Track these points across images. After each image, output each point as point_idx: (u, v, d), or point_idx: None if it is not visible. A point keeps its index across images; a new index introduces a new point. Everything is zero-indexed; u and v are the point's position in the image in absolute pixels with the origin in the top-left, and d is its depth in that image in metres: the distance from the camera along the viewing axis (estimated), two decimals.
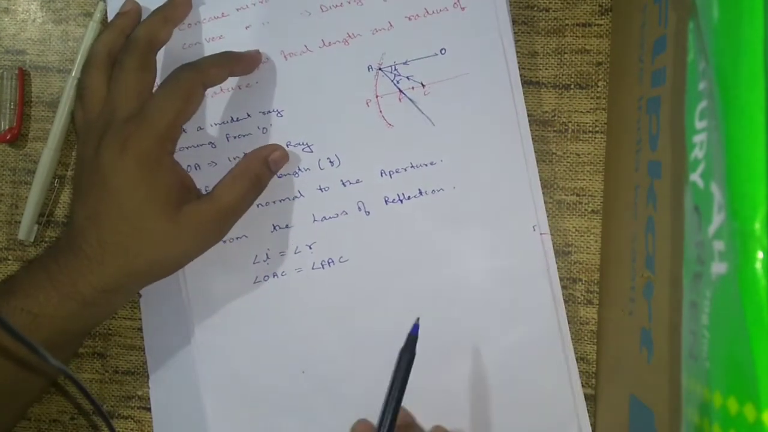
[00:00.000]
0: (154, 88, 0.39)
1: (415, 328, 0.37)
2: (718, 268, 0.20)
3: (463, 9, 0.40)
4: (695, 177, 0.22)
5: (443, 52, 0.40)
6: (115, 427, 0.43)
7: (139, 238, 0.36)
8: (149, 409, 0.43)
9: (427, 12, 0.40)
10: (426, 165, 0.40)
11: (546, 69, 0.41)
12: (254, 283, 0.41)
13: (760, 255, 0.18)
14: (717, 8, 0.20)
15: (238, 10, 0.41)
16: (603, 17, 0.41)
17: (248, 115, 0.41)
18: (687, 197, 0.22)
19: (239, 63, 0.40)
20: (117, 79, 0.38)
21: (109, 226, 0.36)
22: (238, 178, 0.38)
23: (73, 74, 0.43)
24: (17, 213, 0.45)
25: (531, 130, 0.41)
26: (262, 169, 0.39)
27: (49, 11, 0.45)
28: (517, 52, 0.41)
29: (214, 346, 0.41)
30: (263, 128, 0.41)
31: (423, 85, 0.40)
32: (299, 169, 0.41)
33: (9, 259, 0.45)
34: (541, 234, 0.39)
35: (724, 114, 0.19)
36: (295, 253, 0.41)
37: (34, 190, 0.43)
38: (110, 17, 0.43)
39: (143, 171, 0.36)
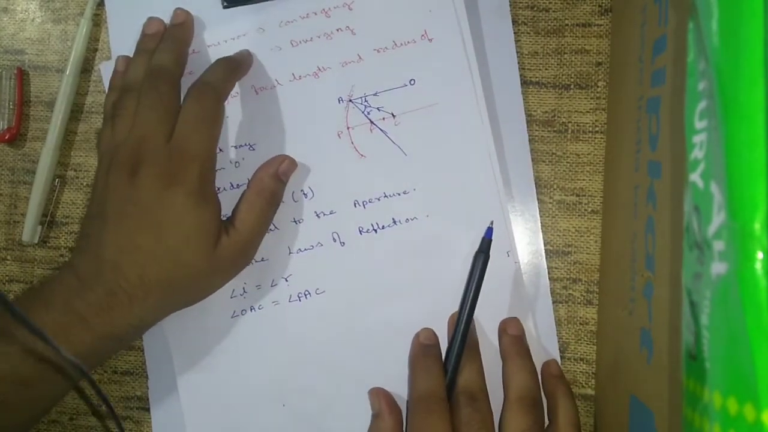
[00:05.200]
0: None
1: (489, 231, 0.38)
2: (718, 268, 0.20)
3: (430, 40, 0.40)
4: (695, 177, 0.22)
5: (412, 82, 0.40)
6: (115, 427, 0.43)
7: (181, 273, 0.36)
8: (148, 410, 0.43)
9: (396, 44, 0.40)
10: (399, 194, 0.40)
11: (546, 69, 0.41)
12: (231, 317, 0.41)
13: (760, 255, 0.18)
14: (717, 8, 0.20)
15: (209, 46, 0.41)
16: (603, 17, 0.41)
17: (220, 150, 0.41)
18: (687, 197, 0.22)
19: (240, 69, 0.40)
20: (151, 105, 0.37)
21: (151, 261, 0.35)
22: (254, 202, 0.38)
23: (67, 73, 0.43)
24: (16, 213, 0.45)
25: (531, 130, 0.41)
26: (274, 184, 0.39)
27: (47, 11, 0.45)
28: (517, 52, 0.41)
29: (194, 382, 0.41)
30: (236, 162, 0.41)
31: (393, 116, 0.40)
32: None
33: (8, 259, 0.45)
34: (515, 262, 0.40)
35: (724, 114, 0.19)
36: (272, 286, 0.41)
37: (35, 190, 0.43)
38: (109, 17, 0.43)
39: (191, 205, 0.35)
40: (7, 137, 0.44)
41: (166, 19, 0.41)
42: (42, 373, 0.34)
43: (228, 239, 0.37)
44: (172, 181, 0.35)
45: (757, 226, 0.18)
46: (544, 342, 0.40)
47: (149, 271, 0.35)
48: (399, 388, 0.40)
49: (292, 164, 0.40)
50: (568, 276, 0.41)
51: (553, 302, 0.41)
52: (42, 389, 0.35)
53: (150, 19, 0.41)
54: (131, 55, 0.41)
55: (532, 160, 0.41)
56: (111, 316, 0.35)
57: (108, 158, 0.37)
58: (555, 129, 0.41)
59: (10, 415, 0.35)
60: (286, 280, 0.41)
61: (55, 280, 0.36)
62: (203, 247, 0.36)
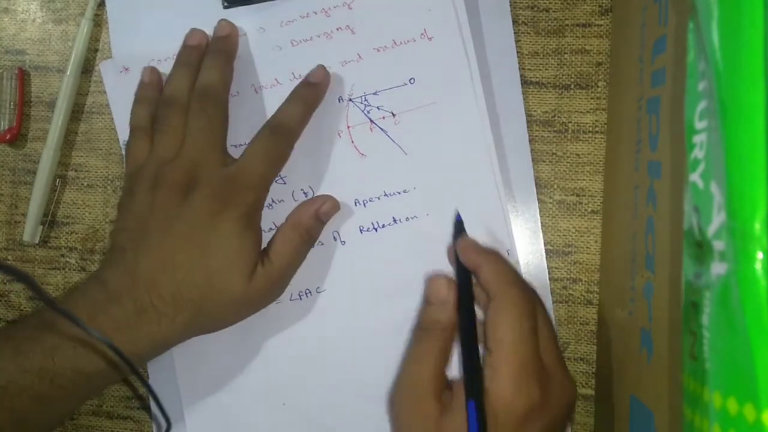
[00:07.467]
0: None
1: (458, 215, 0.38)
2: (718, 268, 0.20)
3: (430, 39, 0.40)
4: (695, 177, 0.22)
5: (412, 81, 0.40)
6: (115, 427, 0.44)
7: (214, 298, 0.35)
8: (149, 409, 0.43)
9: (395, 43, 0.40)
10: (399, 193, 0.40)
11: (546, 69, 0.41)
12: None
13: (759, 255, 0.18)
14: (717, 8, 0.20)
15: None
16: (603, 17, 0.41)
17: None
18: (687, 197, 0.22)
19: (317, 103, 0.40)
20: (202, 128, 0.37)
21: (188, 280, 0.35)
22: (289, 237, 0.38)
23: (68, 73, 0.43)
24: (17, 213, 0.45)
25: (531, 130, 0.41)
26: (311, 222, 0.39)
27: (48, 11, 0.45)
28: (518, 52, 0.41)
29: (195, 381, 0.41)
30: None
31: (393, 115, 0.40)
32: (273, 201, 0.40)
33: (9, 260, 0.45)
34: (515, 261, 0.40)
35: (724, 114, 0.19)
36: None
37: (36, 191, 0.43)
38: (110, 17, 0.43)
39: (238, 231, 0.36)
40: (8, 137, 0.44)
41: (172, 17, 0.41)
42: (58, 390, 0.34)
43: (263, 270, 0.37)
44: (226, 206, 0.36)
45: (757, 226, 0.18)
46: None
47: (184, 290, 0.35)
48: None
49: (335, 207, 0.40)
50: (568, 276, 0.41)
51: (553, 302, 0.41)
52: (59, 403, 0.36)
53: (192, 30, 0.41)
54: (148, 64, 0.41)
55: (532, 160, 0.41)
56: (135, 334, 0.34)
57: (150, 174, 0.37)
58: (555, 129, 0.41)
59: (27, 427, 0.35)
60: None
61: (80, 293, 0.36)
62: (242, 273, 0.36)
